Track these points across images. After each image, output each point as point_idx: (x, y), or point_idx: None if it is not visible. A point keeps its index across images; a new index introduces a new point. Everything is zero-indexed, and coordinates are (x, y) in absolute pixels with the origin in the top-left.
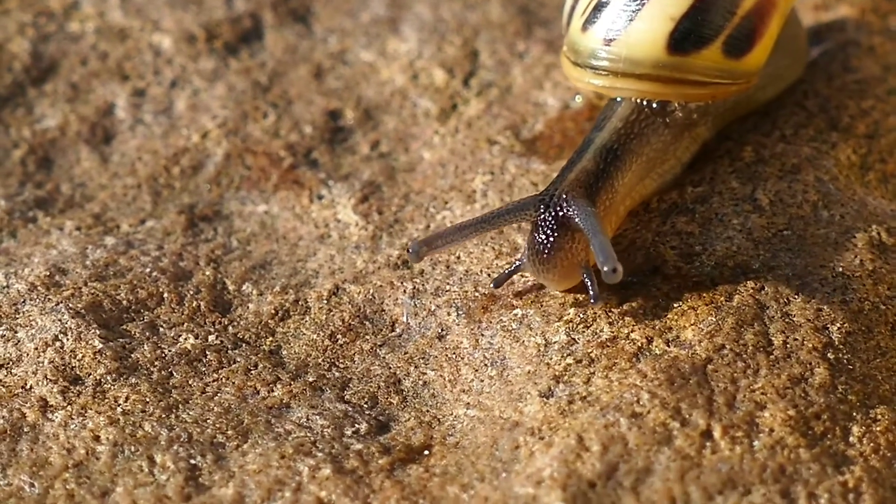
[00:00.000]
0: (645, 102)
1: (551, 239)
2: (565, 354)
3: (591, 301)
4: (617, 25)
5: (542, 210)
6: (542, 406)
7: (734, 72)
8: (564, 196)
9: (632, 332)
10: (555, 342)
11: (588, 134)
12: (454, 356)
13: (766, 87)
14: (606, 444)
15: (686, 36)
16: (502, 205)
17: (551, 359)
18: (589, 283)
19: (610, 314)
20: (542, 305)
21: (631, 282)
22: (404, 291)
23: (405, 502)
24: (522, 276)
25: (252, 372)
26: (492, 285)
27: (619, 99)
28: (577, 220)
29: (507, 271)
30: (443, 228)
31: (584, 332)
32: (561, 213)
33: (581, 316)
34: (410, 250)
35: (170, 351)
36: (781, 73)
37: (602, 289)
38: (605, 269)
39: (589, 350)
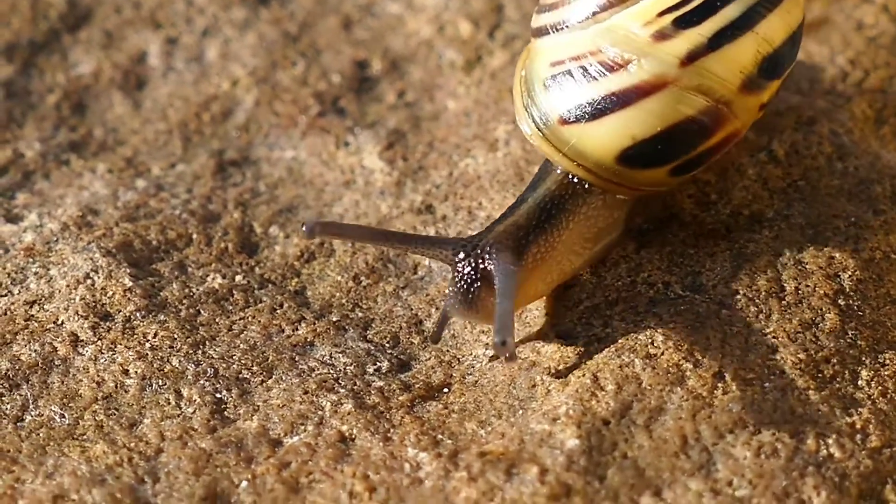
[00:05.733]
0: (576, 179)
1: (472, 291)
2: (583, 297)
3: (502, 357)
4: (578, 112)
5: (461, 258)
6: (559, 346)
7: (673, 183)
8: (489, 248)
9: (649, 276)
10: (573, 285)
11: (522, 193)
12: None
13: None
14: (621, 383)
15: (639, 156)
16: (423, 234)
17: (569, 300)
18: None
19: (628, 259)
20: None
21: (648, 229)
22: None
23: (424, 437)
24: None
25: (277, 311)
26: (431, 342)
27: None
28: (495, 277)
29: (439, 323)
30: (351, 224)
31: (602, 275)
32: (482, 266)
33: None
34: (305, 226)
35: (198, 290)
36: None
37: (624, 238)
38: (496, 339)
39: (607, 294)
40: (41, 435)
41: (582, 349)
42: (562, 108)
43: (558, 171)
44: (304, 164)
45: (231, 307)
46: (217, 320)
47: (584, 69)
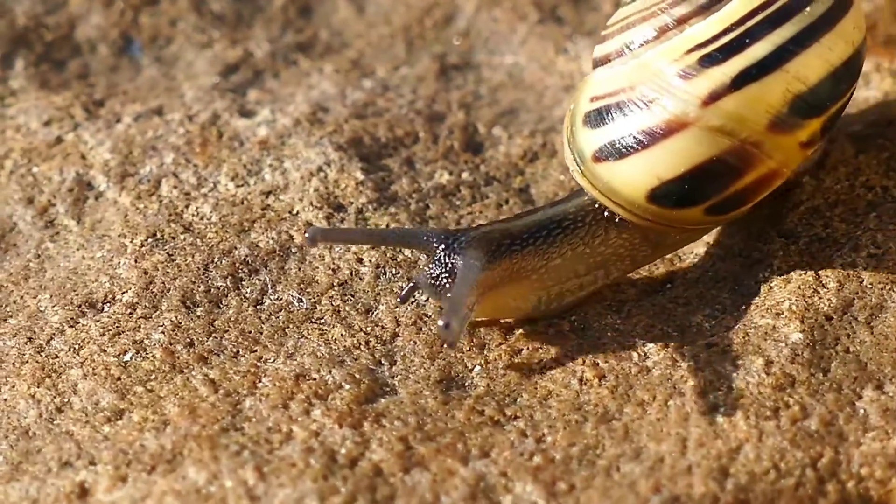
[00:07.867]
0: (608, 213)
1: (439, 280)
2: (804, 198)
3: (444, 341)
4: (607, 150)
5: (440, 250)
6: (782, 245)
7: (713, 222)
8: (464, 245)
9: (867, 180)
10: (795, 187)
11: (541, 206)
12: None
13: None
14: (842, 281)
15: (667, 195)
16: (410, 227)
17: (790, 202)
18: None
19: (847, 163)
20: None
21: (866, 134)
22: None
23: (652, 328)
24: None
25: (503, 207)
26: (398, 300)
27: None
28: (458, 269)
29: (408, 289)
30: (350, 229)
31: (822, 178)
32: (451, 264)
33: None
34: (308, 234)
35: (426, 185)
36: None
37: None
38: (441, 321)
39: (827, 196)
40: (280, 317)
41: (803, 248)
42: (594, 145)
43: (586, 198)
44: (524, 69)
45: (458, 202)
46: (445, 214)
47: (617, 106)
